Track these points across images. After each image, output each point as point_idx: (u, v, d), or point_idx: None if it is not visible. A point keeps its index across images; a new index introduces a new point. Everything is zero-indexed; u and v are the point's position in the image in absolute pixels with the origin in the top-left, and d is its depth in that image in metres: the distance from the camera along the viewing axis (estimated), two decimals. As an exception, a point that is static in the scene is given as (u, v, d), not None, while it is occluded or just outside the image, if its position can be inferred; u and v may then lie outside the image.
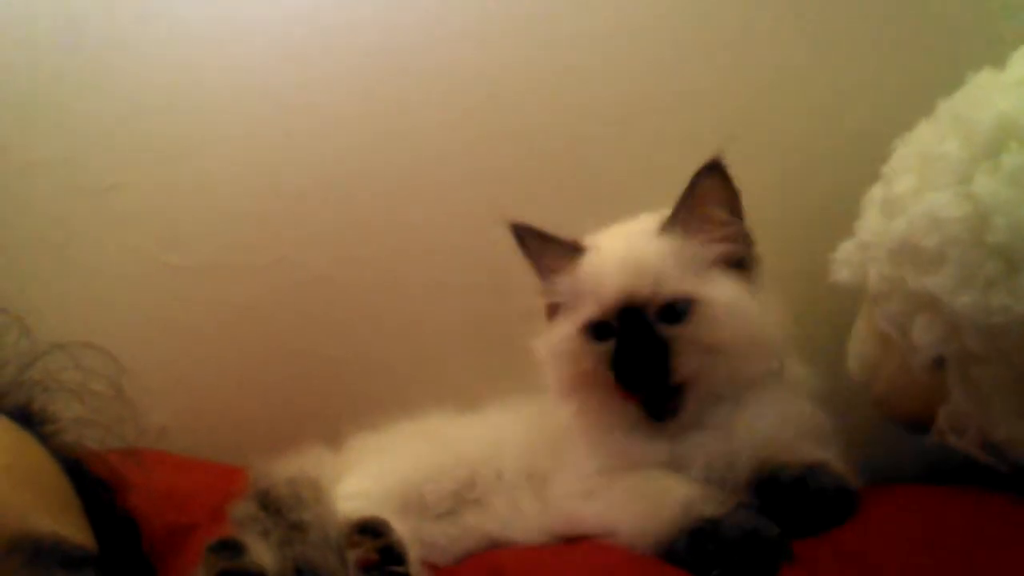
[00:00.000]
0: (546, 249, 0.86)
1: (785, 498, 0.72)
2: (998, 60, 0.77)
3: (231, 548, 0.64)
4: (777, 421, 0.79)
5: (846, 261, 0.83)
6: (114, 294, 1.18)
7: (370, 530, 0.70)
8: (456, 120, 1.13)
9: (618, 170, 1.09)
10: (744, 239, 0.82)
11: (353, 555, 0.68)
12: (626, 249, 0.82)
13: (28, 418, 0.63)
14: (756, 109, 1.05)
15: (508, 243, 1.03)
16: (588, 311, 0.82)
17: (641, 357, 0.78)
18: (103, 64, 1.17)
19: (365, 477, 0.87)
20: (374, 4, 1.13)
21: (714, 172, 0.79)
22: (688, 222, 0.80)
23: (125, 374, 0.74)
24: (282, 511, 0.73)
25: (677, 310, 0.78)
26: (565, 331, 0.83)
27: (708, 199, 0.80)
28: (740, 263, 0.82)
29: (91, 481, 0.64)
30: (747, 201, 0.95)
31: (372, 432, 0.96)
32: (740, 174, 0.89)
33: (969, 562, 0.63)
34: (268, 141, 1.16)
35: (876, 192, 0.81)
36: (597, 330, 0.81)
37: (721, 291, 0.79)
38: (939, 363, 0.73)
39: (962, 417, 0.72)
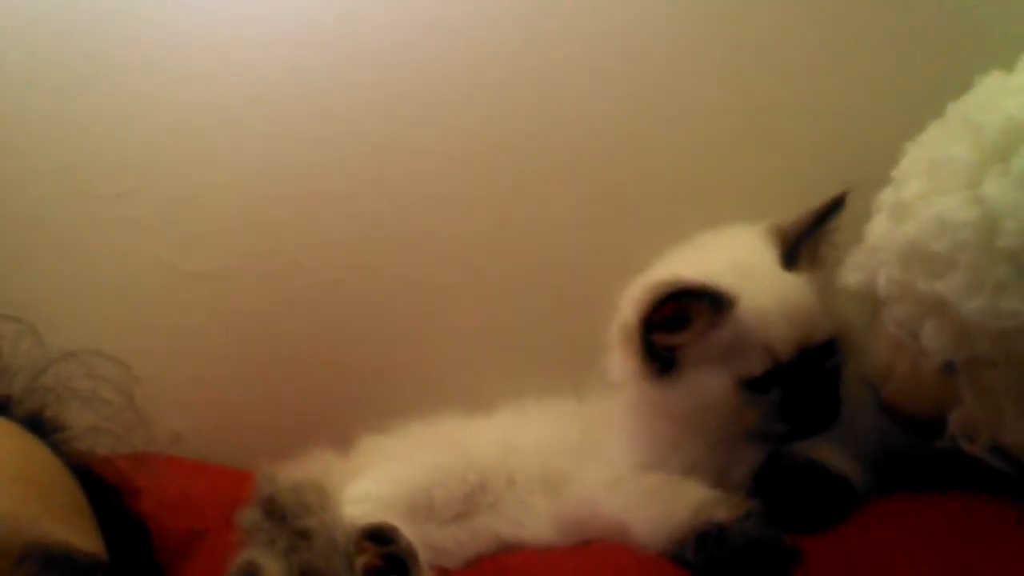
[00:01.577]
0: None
1: (785, 483, 0.72)
2: (1008, 63, 0.77)
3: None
4: None
5: (855, 265, 0.82)
6: (126, 300, 1.19)
7: (377, 536, 0.70)
8: (472, 125, 1.13)
9: (633, 175, 1.09)
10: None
11: (360, 561, 0.68)
12: (785, 298, 0.79)
13: (40, 426, 0.64)
14: (764, 111, 1.05)
15: (520, 246, 1.03)
16: (751, 366, 0.78)
17: (821, 400, 0.79)
18: (114, 69, 1.18)
19: (373, 481, 0.87)
20: (389, 13, 1.13)
21: (840, 207, 0.80)
22: (813, 254, 0.82)
23: (137, 381, 0.74)
24: (287, 518, 0.74)
25: (833, 347, 0.80)
26: (717, 384, 0.79)
27: (829, 232, 0.82)
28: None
29: (102, 488, 0.65)
30: (756, 204, 0.95)
31: (382, 435, 0.96)
32: (747, 178, 0.90)
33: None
34: (280, 146, 1.17)
35: (886, 196, 0.81)
36: (758, 384, 0.79)
37: (848, 320, 0.81)
38: (949, 367, 0.72)
39: (973, 421, 0.72)
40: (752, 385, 0.78)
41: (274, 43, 1.16)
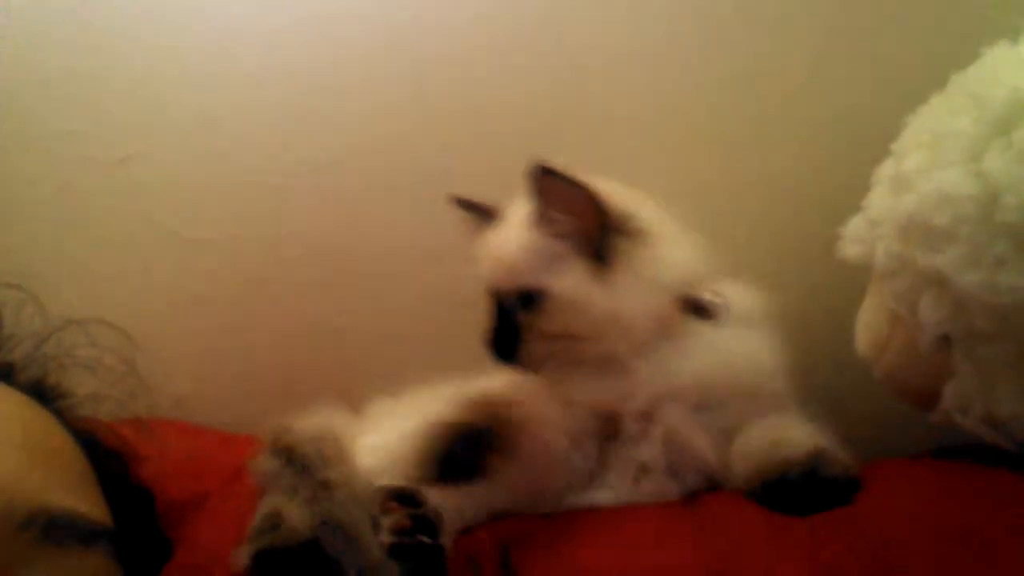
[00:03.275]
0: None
1: (797, 493, 0.73)
2: (1014, 35, 0.76)
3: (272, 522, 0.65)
4: (719, 356, 0.83)
5: (855, 238, 0.82)
6: (128, 266, 1.19)
7: (403, 498, 0.71)
8: (474, 97, 1.13)
9: (642, 165, 1.08)
10: (599, 230, 0.83)
11: (388, 521, 0.68)
12: (498, 240, 0.88)
13: (43, 393, 0.64)
14: (766, 83, 1.04)
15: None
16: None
17: (498, 338, 0.86)
18: (117, 33, 1.17)
19: (384, 433, 0.88)
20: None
21: (540, 178, 0.81)
22: (541, 219, 0.84)
23: (139, 347, 0.75)
24: (308, 468, 0.74)
25: (533, 299, 0.84)
26: None
27: (547, 202, 0.83)
28: (599, 253, 0.83)
29: (106, 454, 0.65)
30: (759, 176, 0.95)
31: (390, 398, 0.97)
32: (750, 149, 0.89)
33: (974, 536, 0.63)
34: (283, 113, 1.16)
35: (886, 168, 0.81)
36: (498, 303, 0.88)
37: (565, 284, 0.83)
38: (946, 341, 0.73)
39: (967, 395, 0.73)
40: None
41: (285, 12, 1.15)
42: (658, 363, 0.83)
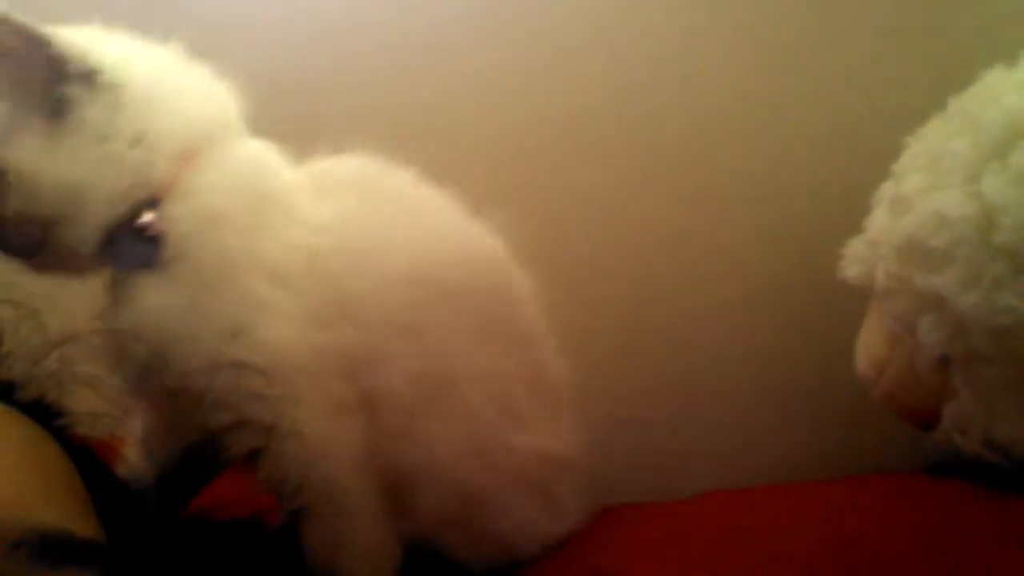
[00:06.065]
0: None
1: None
2: (1010, 57, 0.77)
3: None
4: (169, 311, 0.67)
5: (855, 258, 0.83)
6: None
7: None
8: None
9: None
10: (49, 74, 0.65)
11: None
12: None
13: (41, 412, 0.64)
14: (766, 105, 1.05)
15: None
16: None
17: None
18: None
19: None
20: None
21: None
22: None
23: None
24: None
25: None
26: None
27: None
28: (52, 107, 0.66)
29: (102, 473, 0.65)
30: (758, 196, 0.94)
31: None
32: (749, 170, 0.89)
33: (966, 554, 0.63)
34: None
35: (886, 189, 0.81)
36: None
37: (15, 155, 0.65)
38: (945, 362, 0.73)
39: (967, 416, 0.73)
40: None
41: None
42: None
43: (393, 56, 1.09)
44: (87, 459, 0.62)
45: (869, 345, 0.85)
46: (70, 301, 0.80)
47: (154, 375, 0.68)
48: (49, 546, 0.50)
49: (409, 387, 0.71)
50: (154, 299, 0.67)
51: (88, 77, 0.66)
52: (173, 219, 0.68)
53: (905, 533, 0.68)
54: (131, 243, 0.68)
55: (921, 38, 0.99)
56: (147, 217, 0.68)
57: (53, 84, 0.65)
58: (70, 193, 0.65)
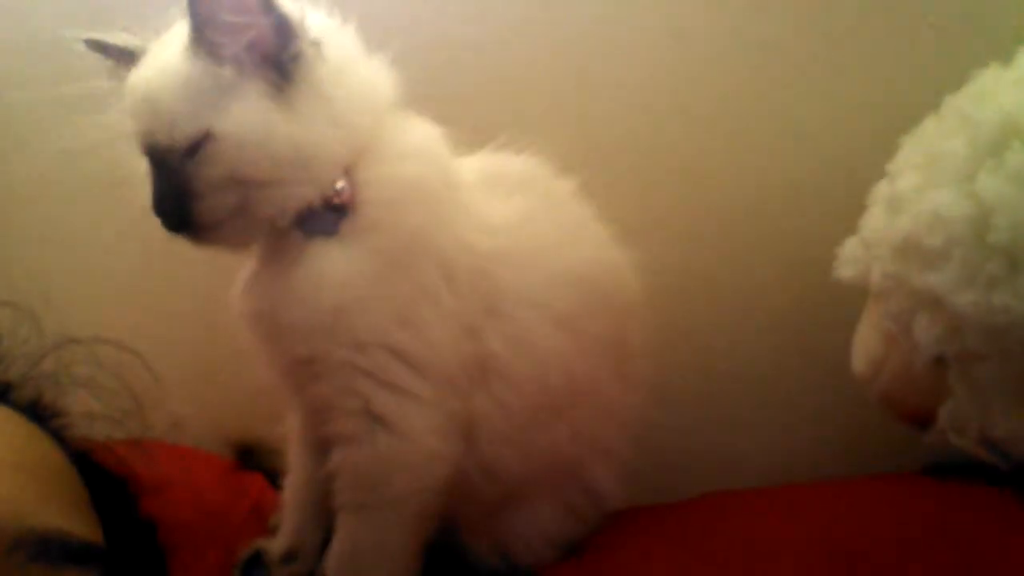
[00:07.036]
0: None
1: None
2: (1005, 57, 0.77)
3: None
4: (333, 282, 0.68)
5: (850, 258, 0.83)
6: (126, 286, 1.19)
7: None
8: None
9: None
10: (278, 36, 0.66)
11: None
12: (144, 84, 0.68)
13: (39, 413, 0.64)
14: (760, 105, 1.05)
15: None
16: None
17: (164, 201, 0.68)
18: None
19: None
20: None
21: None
22: (199, 43, 0.65)
23: (136, 366, 0.74)
24: None
25: (200, 146, 0.66)
26: None
27: (207, 17, 0.64)
28: (281, 66, 0.66)
29: (100, 474, 0.65)
30: (756, 196, 0.94)
31: None
32: (743, 171, 0.89)
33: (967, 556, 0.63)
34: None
35: (881, 189, 0.81)
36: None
37: (235, 120, 0.65)
38: (941, 361, 0.73)
39: (963, 415, 0.73)
40: None
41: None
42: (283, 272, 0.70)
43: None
44: (86, 459, 0.63)
45: (866, 344, 0.85)
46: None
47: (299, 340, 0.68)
48: (48, 546, 0.50)
49: (520, 401, 0.72)
50: (339, 265, 0.67)
51: (314, 41, 0.67)
52: (370, 183, 0.69)
53: (904, 533, 0.69)
54: (323, 208, 0.68)
55: (916, 38, 0.99)
56: (340, 184, 0.68)
57: (284, 46, 0.65)
58: (301, 154, 0.66)
